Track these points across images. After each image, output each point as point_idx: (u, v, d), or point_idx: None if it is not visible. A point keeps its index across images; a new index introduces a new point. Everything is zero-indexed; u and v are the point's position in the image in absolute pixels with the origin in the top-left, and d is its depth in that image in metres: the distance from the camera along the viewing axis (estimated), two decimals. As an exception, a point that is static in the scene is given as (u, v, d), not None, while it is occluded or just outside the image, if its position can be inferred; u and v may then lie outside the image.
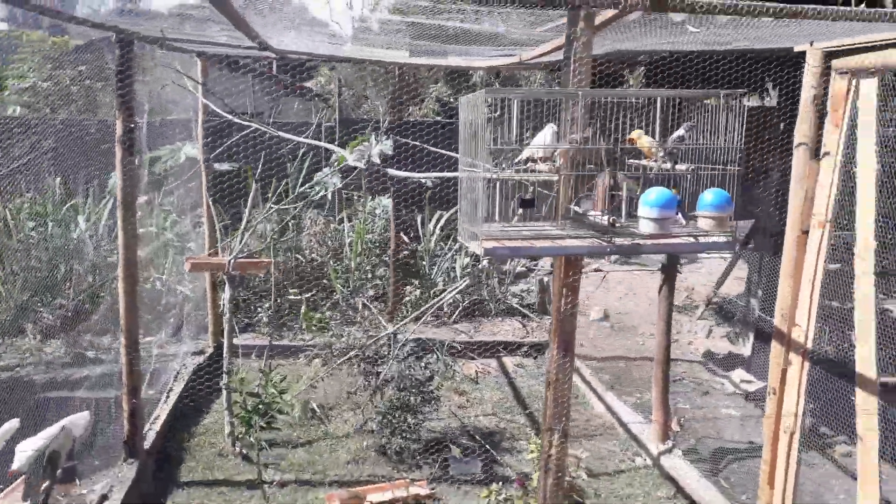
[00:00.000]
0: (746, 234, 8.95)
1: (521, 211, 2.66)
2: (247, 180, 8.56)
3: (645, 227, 2.43)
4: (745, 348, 7.91)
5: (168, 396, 5.90)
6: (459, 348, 7.38)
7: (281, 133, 5.09)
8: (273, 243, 7.84)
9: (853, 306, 3.65)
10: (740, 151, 2.48)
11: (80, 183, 8.83)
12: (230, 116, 5.43)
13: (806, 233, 3.89)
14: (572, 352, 2.81)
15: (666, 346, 5.70)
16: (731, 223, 2.50)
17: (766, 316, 7.38)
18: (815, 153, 3.82)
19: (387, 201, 8.97)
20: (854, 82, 3.62)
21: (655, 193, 2.41)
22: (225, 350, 5.37)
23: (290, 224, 8.79)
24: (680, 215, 2.59)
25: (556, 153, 2.67)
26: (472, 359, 7.49)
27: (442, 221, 9.49)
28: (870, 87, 3.52)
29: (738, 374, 7.07)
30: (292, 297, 7.95)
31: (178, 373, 6.40)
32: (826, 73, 3.75)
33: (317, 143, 5.07)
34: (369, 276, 8.76)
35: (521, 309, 8.92)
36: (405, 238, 8.89)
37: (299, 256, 8.83)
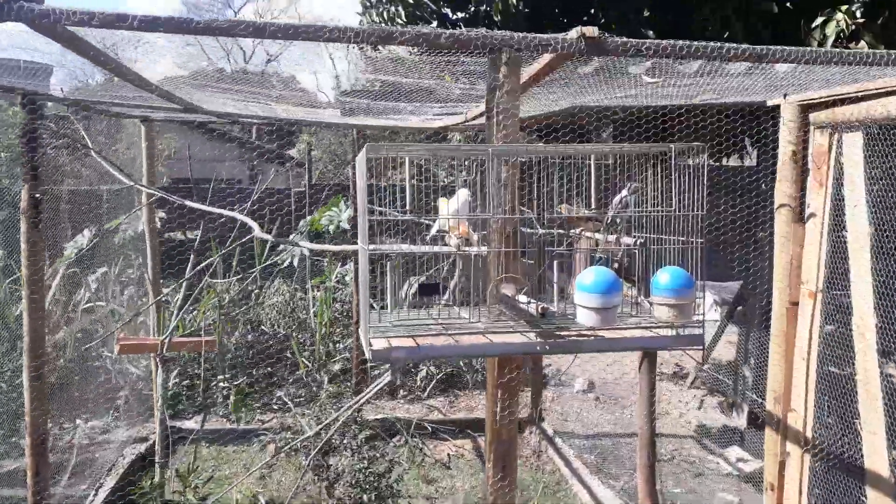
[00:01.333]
0: (734, 298, 8.52)
1: (420, 299, 2.21)
2: (209, 251, 8.13)
3: (584, 318, 1.96)
4: (740, 420, 7.36)
5: (97, 494, 5.25)
6: (430, 428, 6.79)
7: (188, 202, 4.66)
8: (227, 316, 7.32)
9: (853, 371, 3.17)
10: (702, 219, 2.04)
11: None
12: (127, 181, 5.03)
13: (795, 304, 3.44)
14: (513, 469, 2.28)
15: (650, 431, 5.15)
16: (697, 309, 2.03)
17: (759, 385, 6.89)
18: (800, 215, 3.42)
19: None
20: (836, 137, 3.25)
21: (593, 276, 1.94)
22: (157, 445, 4.78)
23: (252, 295, 8.30)
24: (642, 298, 2.15)
25: (471, 225, 2.24)
26: (445, 440, 6.88)
27: (414, 287, 9.02)
28: (853, 141, 3.15)
29: (734, 451, 6.49)
30: (244, 377, 7.37)
31: (113, 465, 5.76)
32: (805, 127, 3.38)
33: (231, 213, 4.64)
34: (338, 347, 8.22)
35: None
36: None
37: (265, 329, 8.31)
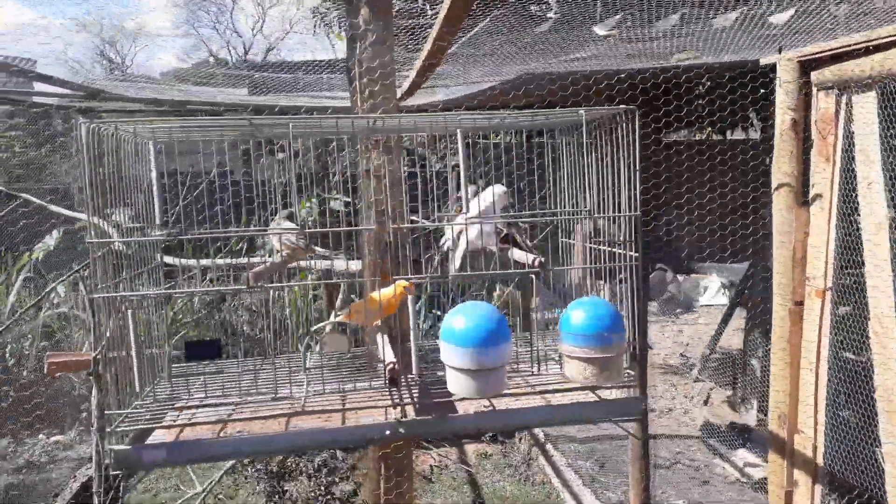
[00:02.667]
0: (742, 280, 7.90)
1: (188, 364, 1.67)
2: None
3: (455, 383, 1.38)
4: (749, 416, 6.78)
5: (37, 526, 4.80)
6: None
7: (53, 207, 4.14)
8: (196, 322, 6.83)
9: (871, 357, 2.60)
10: (637, 223, 1.46)
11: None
12: None
13: (800, 304, 2.86)
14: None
15: (643, 440, 4.61)
16: (625, 361, 1.46)
17: (768, 377, 6.33)
18: (803, 197, 2.83)
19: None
20: (845, 99, 2.64)
21: (466, 319, 1.35)
22: (94, 475, 4.30)
23: (226, 297, 7.80)
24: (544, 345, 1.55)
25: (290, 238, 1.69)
26: (428, 448, 6.37)
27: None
28: (866, 104, 2.54)
29: (742, 455, 5.92)
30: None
31: (58, 493, 5.31)
32: (806, 89, 2.78)
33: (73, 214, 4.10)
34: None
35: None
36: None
37: (246, 328, 7.83)
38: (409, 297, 1.50)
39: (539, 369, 1.64)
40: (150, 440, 1.44)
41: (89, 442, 6.75)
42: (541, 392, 1.52)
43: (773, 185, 2.88)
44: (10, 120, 11.48)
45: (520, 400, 1.50)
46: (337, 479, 4.39)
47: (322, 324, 1.68)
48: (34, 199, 4.48)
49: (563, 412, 1.48)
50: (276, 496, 4.44)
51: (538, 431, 6.45)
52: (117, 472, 1.40)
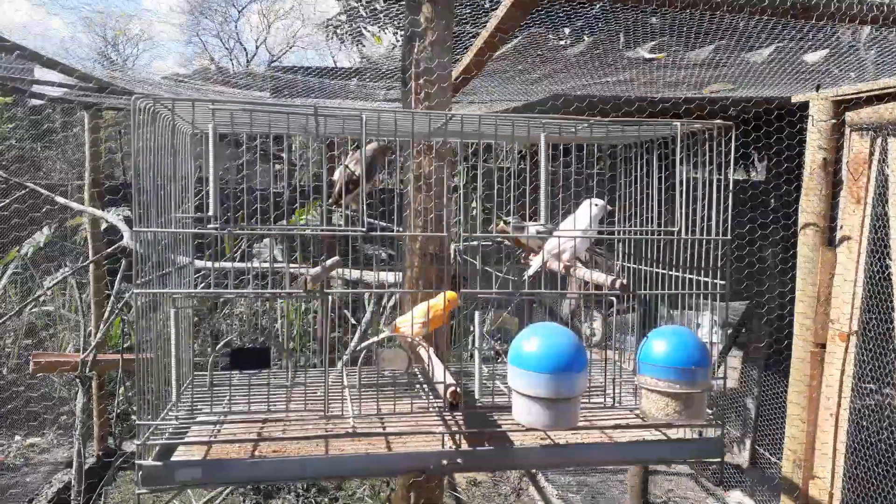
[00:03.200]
0: (739, 320, 7.87)
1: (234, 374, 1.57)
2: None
3: (523, 412, 1.29)
4: (742, 457, 6.70)
5: (8, 533, 4.60)
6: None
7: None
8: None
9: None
10: (726, 247, 1.39)
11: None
12: None
13: (822, 346, 2.80)
14: None
15: (641, 483, 4.52)
16: (709, 399, 1.38)
17: (762, 419, 6.26)
18: (830, 237, 2.78)
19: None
20: (880, 142, 2.61)
21: (539, 340, 1.27)
22: (73, 483, 4.14)
23: (217, 304, 7.65)
24: (621, 375, 1.48)
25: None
26: (416, 471, 6.22)
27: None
28: (904, 147, 2.51)
29: (736, 496, 5.83)
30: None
31: (33, 498, 5.11)
32: (839, 129, 2.75)
33: (105, 215, 4.01)
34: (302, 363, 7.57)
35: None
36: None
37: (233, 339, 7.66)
38: (477, 314, 1.42)
39: (616, 402, 1.54)
40: (178, 455, 1.33)
41: (66, 446, 6.53)
42: (613, 427, 1.43)
43: (800, 224, 2.83)
44: (7, 111, 11.35)
45: (580, 434, 1.40)
46: (326, 500, 4.25)
47: (375, 338, 1.58)
48: (42, 191, 4.36)
49: (637, 451, 1.39)
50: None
51: (529, 461, 6.33)
52: (143, 491, 1.29)
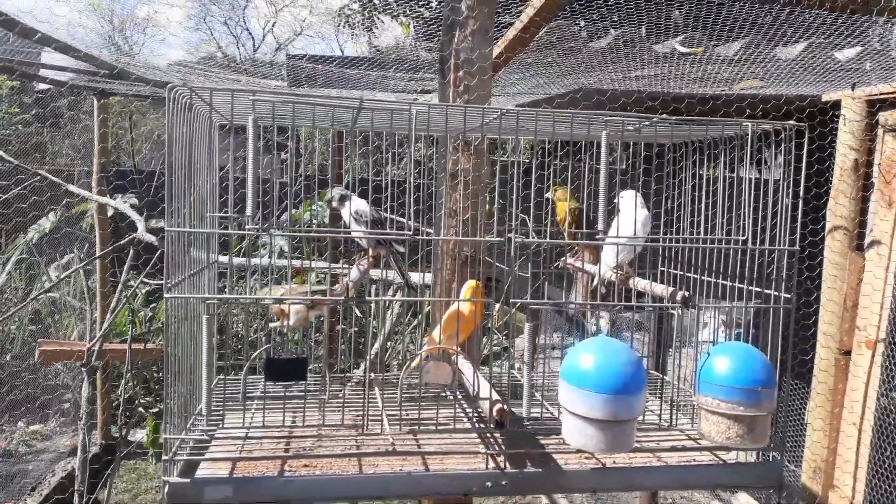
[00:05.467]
0: (750, 321, 7.79)
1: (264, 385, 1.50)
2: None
3: (575, 433, 1.20)
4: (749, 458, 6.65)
5: (11, 521, 4.57)
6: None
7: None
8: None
9: None
10: (793, 258, 1.32)
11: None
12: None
13: (847, 354, 2.73)
14: None
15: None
16: (769, 424, 1.31)
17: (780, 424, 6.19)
18: (859, 242, 2.70)
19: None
20: (915, 144, 2.53)
21: (596, 356, 1.19)
22: (77, 473, 4.08)
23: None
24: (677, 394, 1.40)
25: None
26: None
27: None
28: (940, 150, 2.43)
29: (743, 498, 5.76)
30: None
31: (36, 485, 5.08)
32: (871, 129, 2.67)
33: (114, 202, 3.95)
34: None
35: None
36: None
37: (237, 330, 7.61)
38: (527, 326, 1.34)
39: (673, 423, 1.47)
40: (204, 470, 1.26)
41: (69, 434, 6.50)
42: (668, 450, 1.36)
43: (828, 227, 2.75)
44: (16, 97, 11.29)
45: (628, 455, 1.33)
46: None
47: (416, 358, 1.50)
48: (55, 179, 4.29)
49: (693, 475, 1.32)
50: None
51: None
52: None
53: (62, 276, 6.33)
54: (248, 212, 1.31)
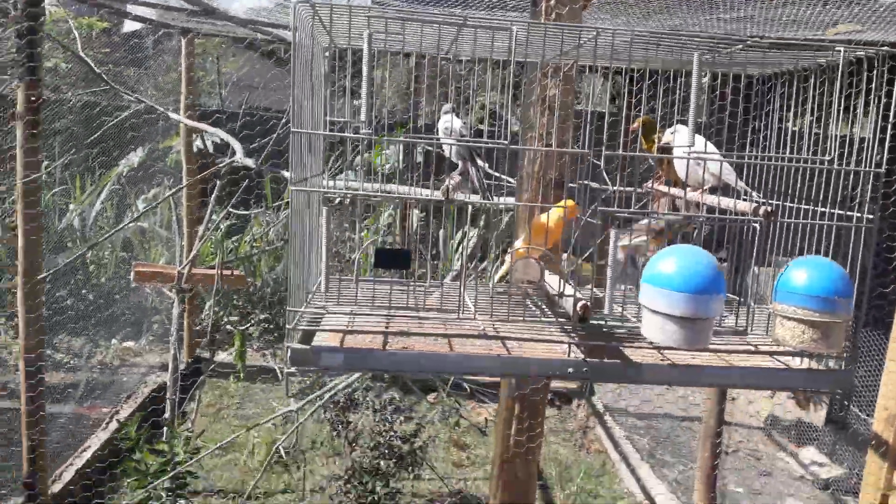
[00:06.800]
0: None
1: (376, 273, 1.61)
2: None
3: (654, 330, 1.27)
4: (818, 416, 6.52)
5: (110, 422, 5.04)
6: (469, 389, 6.29)
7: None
8: (265, 251, 6.95)
9: None
10: (879, 181, 1.32)
11: (81, 167, 8.21)
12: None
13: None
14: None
15: (719, 413, 4.46)
16: (847, 333, 1.34)
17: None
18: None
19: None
20: None
21: (678, 261, 1.24)
22: (168, 383, 4.45)
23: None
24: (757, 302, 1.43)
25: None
26: (484, 402, 6.38)
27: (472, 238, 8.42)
28: None
29: (810, 453, 5.71)
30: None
31: (131, 394, 5.55)
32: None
33: (216, 131, 4.10)
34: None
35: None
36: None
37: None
38: (612, 232, 1.42)
39: (749, 328, 1.54)
40: (318, 342, 1.42)
41: (158, 351, 7.03)
42: (755, 350, 1.43)
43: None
44: (108, 38, 11.76)
45: (729, 359, 1.40)
46: (402, 419, 4.43)
47: (511, 252, 1.60)
48: (158, 107, 4.53)
49: (766, 378, 1.39)
50: (340, 425, 4.52)
51: (597, 401, 6.38)
52: (291, 369, 1.38)
53: (152, 205, 6.71)
54: (363, 117, 1.43)
